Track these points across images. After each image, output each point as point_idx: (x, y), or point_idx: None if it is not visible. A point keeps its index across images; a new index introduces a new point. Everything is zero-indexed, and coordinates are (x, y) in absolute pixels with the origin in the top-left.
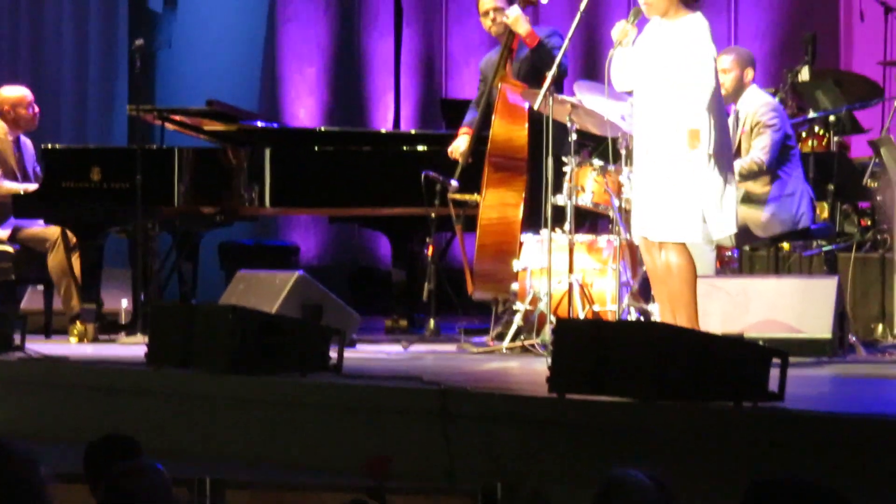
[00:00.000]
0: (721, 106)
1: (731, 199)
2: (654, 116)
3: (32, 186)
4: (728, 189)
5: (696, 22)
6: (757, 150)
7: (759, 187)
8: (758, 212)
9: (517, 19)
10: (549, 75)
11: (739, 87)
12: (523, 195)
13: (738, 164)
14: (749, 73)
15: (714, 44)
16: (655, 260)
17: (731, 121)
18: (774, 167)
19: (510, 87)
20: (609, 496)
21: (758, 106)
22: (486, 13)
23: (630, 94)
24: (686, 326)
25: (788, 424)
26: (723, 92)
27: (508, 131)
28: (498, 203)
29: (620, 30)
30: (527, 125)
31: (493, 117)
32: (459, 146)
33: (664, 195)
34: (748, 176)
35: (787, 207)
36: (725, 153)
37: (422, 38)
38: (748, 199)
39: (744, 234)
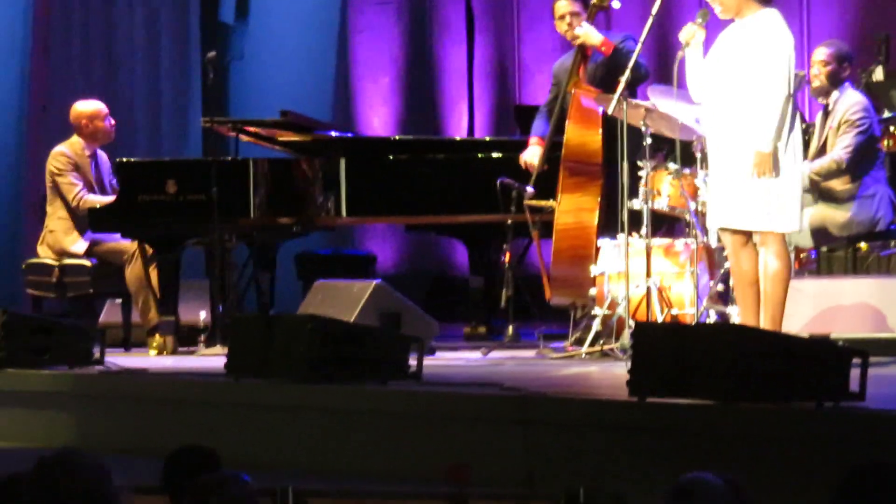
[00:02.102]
0: (792, 100)
1: (793, 196)
2: (731, 113)
3: (111, 199)
4: (789, 185)
5: (771, 16)
6: (839, 149)
7: (840, 185)
8: (837, 212)
9: (587, 34)
10: (623, 80)
11: (834, 82)
12: (599, 200)
13: (819, 163)
14: (847, 67)
15: (791, 34)
16: (741, 262)
17: (819, 116)
18: (857, 167)
19: (583, 92)
20: (680, 500)
21: (849, 104)
22: (563, 17)
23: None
24: (768, 327)
25: (870, 424)
26: (816, 83)
27: (582, 136)
28: (573, 208)
29: (688, 31)
30: (601, 130)
31: (566, 123)
32: (531, 158)
33: (756, 186)
34: (827, 175)
35: (867, 209)
36: (790, 149)
37: (494, 44)
38: (829, 196)
39: (822, 234)
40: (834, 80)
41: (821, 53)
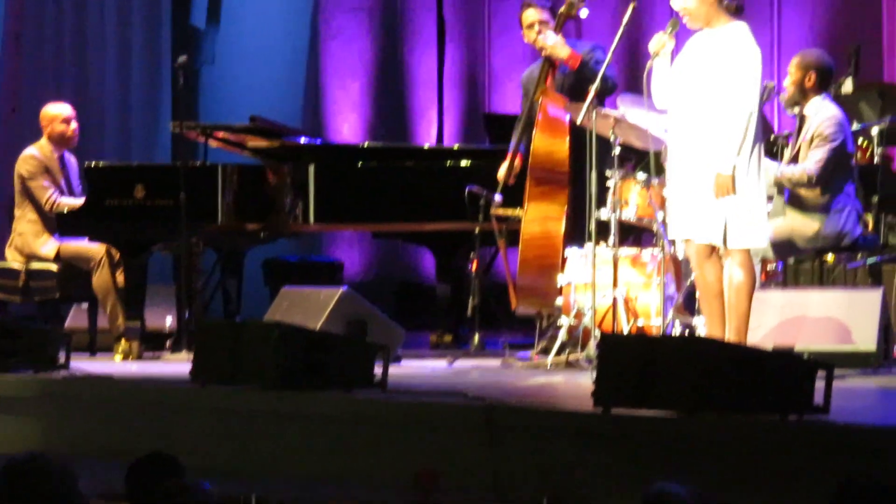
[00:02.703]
0: (760, 115)
1: (760, 211)
2: (695, 125)
3: (81, 201)
4: (755, 201)
5: (740, 30)
6: (810, 162)
7: (810, 195)
8: (805, 222)
9: (555, 46)
10: (593, 89)
11: (802, 91)
12: (565, 209)
13: (790, 170)
14: (812, 77)
15: (759, 48)
16: (706, 274)
17: (794, 127)
18: (828, 182)
19: (551, 100)
20: None
21: (823, 118)
22: (531, 26)
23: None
24: (733, 338)
25: (834, 437)
26: (785, 95)
27: (549, 145)
28: (540, 217)
29: (658, 41)
30: (568, 139)
31: (534, 131)
32: (501, 172)
33: (722, 200)
34: (796, 185)
35: (834, 223)
36: (755, 162)
37: (465, 52)
38: (799, 205)
39: (788, 245)
40: (799, 90)
41: (790, 64)
